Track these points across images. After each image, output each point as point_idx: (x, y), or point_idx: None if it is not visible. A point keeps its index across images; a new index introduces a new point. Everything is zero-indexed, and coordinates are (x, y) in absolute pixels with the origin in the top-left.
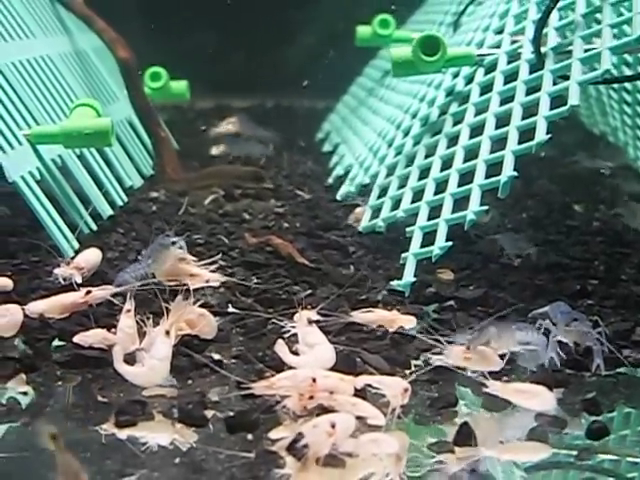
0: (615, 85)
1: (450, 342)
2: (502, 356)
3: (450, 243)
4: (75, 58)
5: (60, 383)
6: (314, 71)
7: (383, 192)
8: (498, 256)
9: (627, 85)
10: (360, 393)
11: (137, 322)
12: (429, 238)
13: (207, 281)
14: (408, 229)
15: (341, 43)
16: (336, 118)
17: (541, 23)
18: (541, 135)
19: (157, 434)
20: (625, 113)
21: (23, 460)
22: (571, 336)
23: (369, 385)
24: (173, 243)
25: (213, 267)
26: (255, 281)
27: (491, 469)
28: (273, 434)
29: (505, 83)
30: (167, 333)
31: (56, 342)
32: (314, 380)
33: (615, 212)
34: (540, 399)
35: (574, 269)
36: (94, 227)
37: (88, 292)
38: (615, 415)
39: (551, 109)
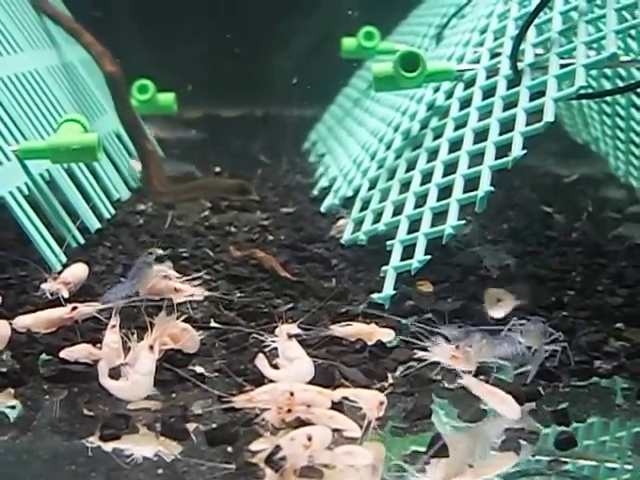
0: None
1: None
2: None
3: (429, 257)
4: (63, 71)
5: (47, 397)
6: (303, 80)
7: (365, 205)
8: (477, 268)
9: (607, 97)
10: (337, 406)
11: (122, 337)
12: (409, 251)
13: (191, 295)
14: (388, 242)
15: (329, 53)
16: (322, 128)
17: (518, 39)
18: (517, 150)
19: (141, 447)
20: (605, 124)
21: (12, 474)
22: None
23: (346, 398)
24: (157, 259)
25: (197, 282)
26: (238, 295)
27: None
28: (253, 446)
29: (484, 98)
30: (151, 348)
31: (44, 356)
32: (292, 394)
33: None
34: (508, 406)
35: (551, 280)
36: (82, 241)
37: (74, 308)
38: (591, 424)
39: (529, 124)
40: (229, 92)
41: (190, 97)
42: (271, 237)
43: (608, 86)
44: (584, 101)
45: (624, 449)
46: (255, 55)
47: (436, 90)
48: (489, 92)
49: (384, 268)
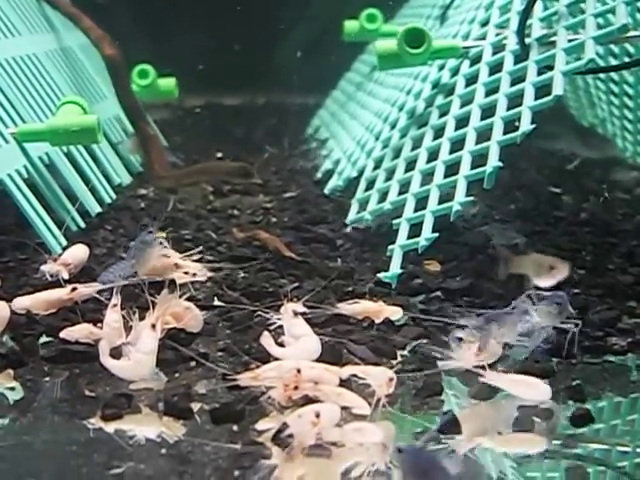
0: (602, 76)
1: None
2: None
3: (436, 234)
4: (62, 56)
5: (47, 378)
6: (304, 67)
7: (370, 185)
8: (485, 247)
9: (614, 76)
10: (345, 383)
11: (123, 317)
12: (416, 230)
13: (194, 275)
14: (395, 221)
15: (331, 38)
16: (325, 113)
17: (525, 14)
18: (526, 125)
19: (144, 427)
20: (613, 104)
21: (13, 455)
22: (550, 319)
23: (354, 375)
24: (156, 239)
25: (200, 261)
26: (242, 275)
27: (481, 458)
28: (259, 425)
29: (490, 74)
30: (153, 327)
31: (44, 338)
32: (298, 371)
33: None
34: (536, 390)
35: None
36: (82, 224)
37: (74, 289)
38: (604, 404)
39: (536, 99)
40: (231, 80)
41: (192, 85)
42: (274, 219)
43: (616, 63)
44: (591, 82)
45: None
46: (256, 42)
47: (441, 68)
48: (495, 68)
49: (391, 247)
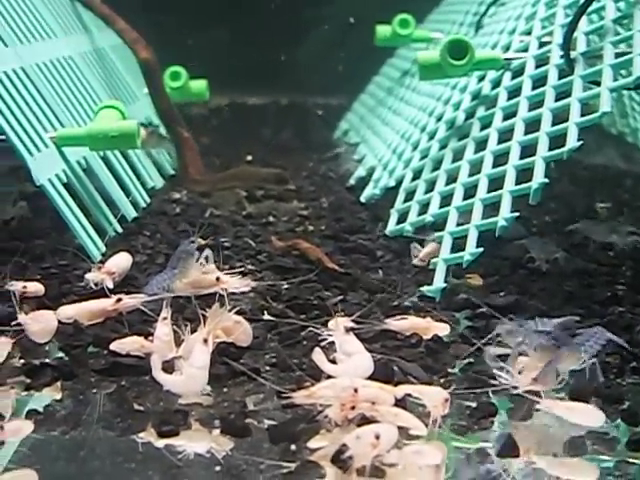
0: None
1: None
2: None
3: (481, 249)
4: (95, 57)
5: (96, 391)
6: (329, 68)
7: (409, 196)
8: (526, 261)
9: None
10: (400, 403)
11: (173, 329)
12: (456, 243)
13: (236, 288)
14: (437, 234)
15: (356, 41)
16: (354, 117)
17: (571, 27)
18: (572, 142)
19: (195, 443)
20: None
21: (60, 470)
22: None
23: (409, 395)
24: (198, 249)
25: (241, 273)
26: (285, 286)
27: None
28: (311, 444)
29: (533, 88)
30: (205, 341)
31: (91, 348)
32: (356, 390)
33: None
34: (591, 416)
35: (602, 275)
36: (119, 229)
37: (119, 300)
38: None
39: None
40: (255, 80)
41: (216, 85)
42: (311, 227)
43: None
44: (625, 92)
45: None
46: (280, 43)
47: (480, 79)
48: (538, 82)
49: (434, 260)
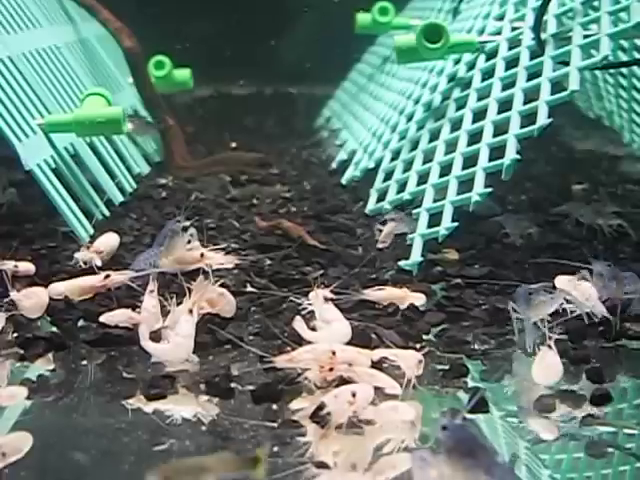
0: (611, 70)
1: None
2: None
3: (456, 224)
4: (80, 47)
5: (87, 361)
6: (312, 58)
7: (388, 176)
8: (501, 236)
9: (623, 70)
10: (377, 365)
11: (159, 302)
12: (433, 219)
13: (221, 264)
14: (414, 211)
15: (338, 29)
16: (336, 104)
17: (541, 10)
18: (542, 119)
19: (183, 407)
20: (621, 97)
21: (55, 433)
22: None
23: (385, 358)
24: (184, 229)
25: (226, 251)
26: (268, 263)
27: (495, 435)
28: (294, 405)
29: (506, 69)
30: (190, 312)
31: (81, 322)
32: (334, 353)
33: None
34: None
35: (573, 248)
36: (107, 213)
37: (107, 276)
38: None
39: (551, 94)
40: (239, 70)
41: (202, 75)
42: (294, 209)
43: (625, 58)
44: (599, 74)
45: None
46: (265, 33)
47: (456, 62)
48: (511, 63)
49: (410, 236)
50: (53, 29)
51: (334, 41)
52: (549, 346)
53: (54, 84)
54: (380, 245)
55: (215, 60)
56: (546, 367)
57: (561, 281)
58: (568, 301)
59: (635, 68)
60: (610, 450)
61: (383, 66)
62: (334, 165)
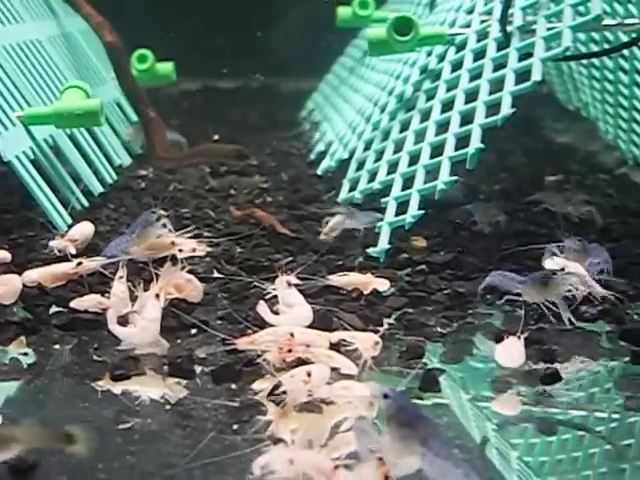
0: (584, 62)
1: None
2: None
3: (422, 212)
4: (63, 41)
5: (58, 344)
6: (298, 52)
7: (361, 166)
8: (469, 224)
9: (596, 62)
10: (335, 347)
11: (129, 288)
12: (404, 208)
13: (193, 250)
14: (383, 200)
15: (324, 23)
16: (319, 97)
17: (507, 3)
18: (506, 109)
19: (149, 388)
20: (594, 89)
21: (27, 413)
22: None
23: (343, 340)
24: (158, 219)
25: (197, 238)
26: (239, 250)
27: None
28: (255, 385)
29: (475, 61)
30: (157, 296)
31: (54, 308)
32: (292, 335)
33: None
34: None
35: (539, 235)
36: (85, 203)
37: (79, 263)
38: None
39: (518, 85)
40: (226, 64)
41: (189, 69)
42: (270, 199)
43: (596, 49)
44: (574, 67)
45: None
46: (252, 27)
47: (429, 54)
48: (479, 55)
49: (379, 224)
50: (36, 24)
51: (321, 34)
52: (518, 337)
53: (35, 77)
54: (322, 237)
55: (203, 54)
56: (509, 350)
57: (549, 263)
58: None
59: (606, 60)
60: (561, 427)
61: (363, 59)
62: (312, 156)
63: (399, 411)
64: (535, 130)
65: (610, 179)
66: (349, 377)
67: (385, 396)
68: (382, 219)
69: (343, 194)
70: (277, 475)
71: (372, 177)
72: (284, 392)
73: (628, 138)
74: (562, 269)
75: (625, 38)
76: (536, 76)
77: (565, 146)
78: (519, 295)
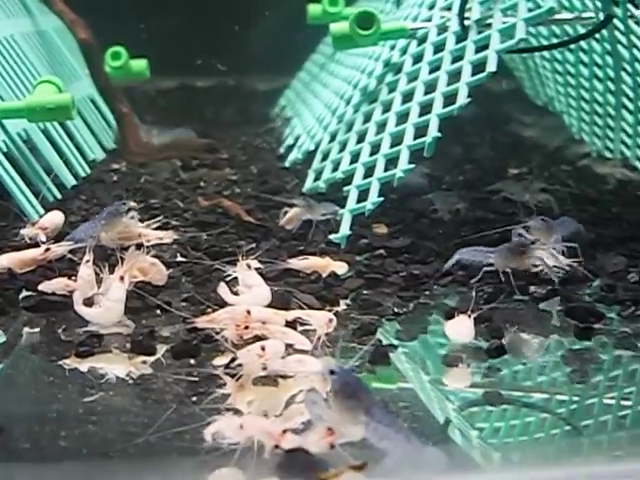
0: (548, 56)
1: None
2: None
3: (381, 199)
4: (38, 38)
5: (27, 326)
6: (274, 50)
7: (325, 157)
8: (430, 212)
9: (558, 56)
10: (291, 325)
11: (95, 272)
12: (365, 195)
13: (160, 238)
14: (345, 188)
15: (298, 22)
16: (291, 93)
17: None
18: (462, 99)
19: (113, 365)
20: (558, 83)
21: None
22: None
23: (299, 318)
24: (128, 210)
25: (165, 227)
26: (205, 238)
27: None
28: (215, 361)
29: (435, 53)
30: (121, 279)
31: (24, 293)
32: (248, 312)
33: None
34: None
35: (497, 222)
36: (58, 195)
37: (47, 249)
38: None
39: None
40: (203, 63)
41: (166, 68)
42: (238, 190)
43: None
44: (539, 62)
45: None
46: (227, 26)
47: (392, 48)
48: (439, 48)
49: (340, 211)
50: (10, 21)
51: (300, 33)
52: (469, 315)
53: (9, 73)
54: (282, 223)
55: (181, 53)
56: (458, 326)
57: None
58: None
59: (568, 54)
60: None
61: (334, 55)
62: (282, 150)
63: (344, 385)
64: (503, 125)
65: (572, 170)
66: (303, 352)
67: (332, 372)
68: (339, 211)
69: (308, 184)
70: (228, 440)
71: (336, 167)
72: (240, 365)
73: (591, 130)
74: (532, 242)
75: (583, 31)
76: (491, 67)
77: (531, 140)
78: (491, 265)
